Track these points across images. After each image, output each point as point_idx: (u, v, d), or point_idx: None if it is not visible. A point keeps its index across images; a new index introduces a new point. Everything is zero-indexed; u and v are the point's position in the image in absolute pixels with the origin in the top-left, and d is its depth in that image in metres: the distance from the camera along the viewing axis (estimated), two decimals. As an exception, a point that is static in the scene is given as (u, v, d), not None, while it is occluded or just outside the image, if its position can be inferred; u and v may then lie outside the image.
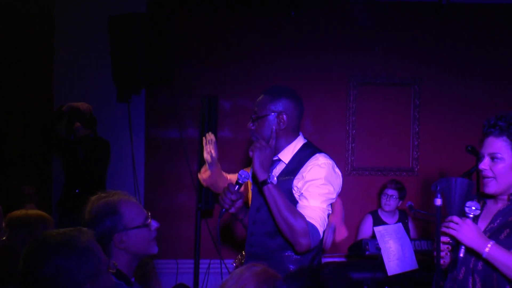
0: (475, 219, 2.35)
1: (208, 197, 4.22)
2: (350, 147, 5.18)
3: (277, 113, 2.67)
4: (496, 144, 2.32)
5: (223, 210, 2.69)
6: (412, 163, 5.28)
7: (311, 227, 2.52)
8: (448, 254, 2.40)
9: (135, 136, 5.07)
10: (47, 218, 2.63)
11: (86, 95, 4.83)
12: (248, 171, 2.77)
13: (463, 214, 2.34)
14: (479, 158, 2.39)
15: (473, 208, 2.27)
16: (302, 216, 2.53)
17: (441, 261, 2.37)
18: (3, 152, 4.84)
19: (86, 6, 4.97)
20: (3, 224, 2.58)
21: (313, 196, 2.57)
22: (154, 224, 2.19)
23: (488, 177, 2.34)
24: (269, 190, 2.56)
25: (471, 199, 2.39)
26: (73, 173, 4.56)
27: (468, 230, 2.25)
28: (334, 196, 2.65)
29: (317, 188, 2.58)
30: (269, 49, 5.19)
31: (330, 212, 2.65)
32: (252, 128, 2.74)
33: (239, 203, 2.69)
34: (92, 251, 1.75)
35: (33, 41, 4.98)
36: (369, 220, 4.73)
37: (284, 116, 2.67)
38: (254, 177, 2.73)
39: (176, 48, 5.00)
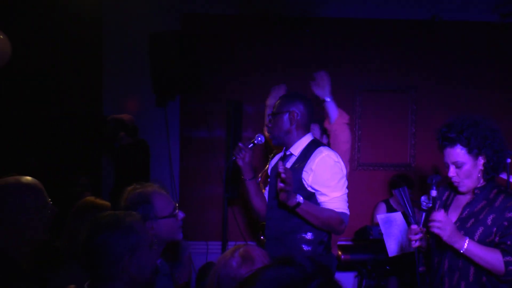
0: (429, 211, 2.42)
1: (233, 188, 4.27)
2: (356, 146, 5.36)
3: (289, 112, 2.87)
4: (454, 153, 2.42)
5: (233, 158, 2.99)
6: (410, 159, 5.42)
7: (342, 214, 2.77)
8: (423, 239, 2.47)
9: (171, 136, 5.24)
10: (103, 205, 2.69)
11: (130, 101, 5.08)
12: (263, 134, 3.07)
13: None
14: (446, 166, 2.48)
15: (425, 202, 2.38)
16: (332, 211, 2.73)
17: (417, 244, 2.41)
18: (64, 152, 4.91)
19: (130, 24, 5.16)
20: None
21: (331, 189, 2.76)
22: (180, 215, 2.28)
23: (458, 182, 2.46)
24: (301, 210, 2.68)
25: (436, 188, 2.43)
26: (122, 170, 4.73)
27: (448, 228, 2.28)
28: (345, 176, 2.83)
29: (331, 181, 2.76)
30: (286, 61, 5.31)
31: (347, 191, 2.82)
32: (269, 125, 2.96)
33: (247, 157, 2.95)
34: (134, 229, 1.84)
35: (85, 55, 5.11)
36: (382, 207, 4.90)
37: (295, 115, 2.86)
38: (273, 170, 2.98)
39: (206, 60, 5.20)
